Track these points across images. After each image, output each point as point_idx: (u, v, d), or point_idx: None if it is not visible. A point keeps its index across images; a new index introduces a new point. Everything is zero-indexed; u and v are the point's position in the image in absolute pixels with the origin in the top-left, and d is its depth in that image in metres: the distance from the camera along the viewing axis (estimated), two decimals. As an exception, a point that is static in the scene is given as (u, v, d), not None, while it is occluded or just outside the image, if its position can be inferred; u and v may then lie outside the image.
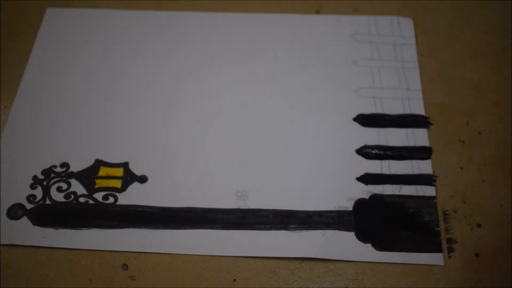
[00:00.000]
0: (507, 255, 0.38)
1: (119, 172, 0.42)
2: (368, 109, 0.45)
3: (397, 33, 0.50)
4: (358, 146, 0.44)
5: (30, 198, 0.41)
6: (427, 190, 0.41)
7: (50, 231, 0.40)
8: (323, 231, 0.40)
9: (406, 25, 0.50)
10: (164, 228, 0.40)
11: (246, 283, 0.38)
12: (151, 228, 0.40)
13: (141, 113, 0.45)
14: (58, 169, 0.43)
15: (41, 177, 0.42)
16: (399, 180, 0.42)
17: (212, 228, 0.40)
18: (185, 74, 0.48)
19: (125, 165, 0.43)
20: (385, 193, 0.41)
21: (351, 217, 0.40)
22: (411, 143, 0.44)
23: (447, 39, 0.49)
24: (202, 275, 0.38)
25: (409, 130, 0.44)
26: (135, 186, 0.42)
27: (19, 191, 0.42)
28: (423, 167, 0.42)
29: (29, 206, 0.41)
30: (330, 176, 0.42)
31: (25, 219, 0.40)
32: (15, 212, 0.41)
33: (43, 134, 0.44)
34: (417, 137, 0.44)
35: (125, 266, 0.39)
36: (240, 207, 0.41)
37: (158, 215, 0.41)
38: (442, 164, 0.43)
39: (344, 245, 0.39)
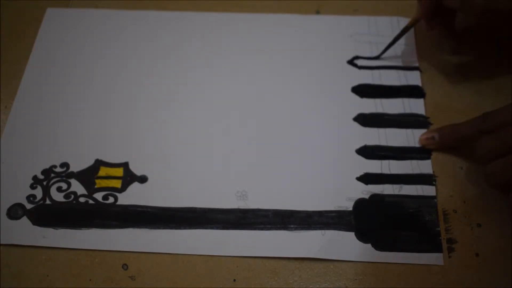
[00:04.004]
0: (507, 255, 0.38)
1: (119, 172, 0.42)
2: (368, 109, 0.45)
3: (397, 33, 0.50)
4: (358, 146, 0.44)
5: (30, 198, 0.41)
6: (427, 190, 0.41)
7: (50, 231, 0.40)
8: (323, 231, 0.40)
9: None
10: (164, 228, 0.40)
11: (246, 283, 0.38)
12: (151, 228, 0.40)
13: (141, 113, 0.45)
14: (58, 169, 0.43)
15: (41, 177, 0.42)
16: (399, 180, 0.42)
17: (212, 228, 0.40)
18: (185, 74, 0.48)
19: (125, 165, 0.43)
20: (385, 193, 0.41)
21: (351, 217, 0.40)
22: (411, 143, 0.44)
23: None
24: (202, 275, 0.38)
25: (409, 130, 0.44)
26: (135, 186, 0.42)
27: (19, 191, 0.42)
28: (423, 167, 0.42)
29: (29, 206, 0.41)
30: (330, 176, 0.42)
31: (25, 219, 0.40)
32: (15, 212, 0.41)
33: (43, 134, 0.44)
34: (417, 137, 0.44)
35: (125, 266, 0.39)
36: (240, 207, 0.41)
37: (158, 215, 0.41)
38: (442, 164, 0.43)
39: (344, 245, 0.39)
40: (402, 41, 0.49)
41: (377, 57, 0.48)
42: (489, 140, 0.38)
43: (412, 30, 0.49)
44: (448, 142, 0.42)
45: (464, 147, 0.43)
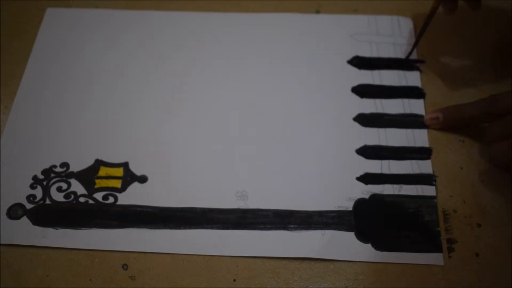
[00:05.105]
0: (507, 255, 0.38)
1: (119, 172, 0.42)
2: (368, 109, 0.45)
3: (397, 33, 0.50)
4: (358, 146, 0.44)
5: (30, 198, 0.41)
6: (427, 190, 0.41)
7: (50, 231, 0.40)
8: (323, 231, 0.40)
9: (406, 25, 0.50)
10: (164, 228, 0.40)
11: (246, 283, 0.38)
12: (151, 228, 0.40)
13: (141, 113, 0.45)
14: (58, 169, 0.43)
15: (41, 177, 0.42)
16: (399, 180, 0.42)
17: (212, 228, 0.40)
18: (185, 74, 0.48)
19: (125, 165, 0.43)
20: (385, 193, 0.41)
21: (351, 217, 0.40)
22: (411, 143, 0.44)
23: (447, 39, 0.49)
24: (202, 275, 0.38)
25: (409, 130, 0.44)
26: (135, 186, 0.42)
27: (19, 191, 0.42)
28: (423, 167, 0.42)
29: (29, 206, 0.41)
30: (330, 176, 0.42)
31: (25, 219, 0.40)
32: (15, 212, 0.41)
33: (43, 134, 0.44)
34: (417, 137, 0.44)
35: (125, 266, 0.39)
36: (240, 207, 0.41)
37: (158, 215, 0.41)
38: (442, 164, 0.43)
39: (344, 245, 0.39)
40: (402, 41, 0.49)
41: (406, 58, 0.48)
42: (498, 126, 0.39)
43: (412, 31, 0.49)
44: (453, 122, 0.43)
45: (467, 127, 0.44)
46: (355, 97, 0.46)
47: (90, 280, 0.38)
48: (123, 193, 0.42)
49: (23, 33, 0.50)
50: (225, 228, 0.40)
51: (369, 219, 0.40)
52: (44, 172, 0.42)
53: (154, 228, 0.40)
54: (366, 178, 0.42)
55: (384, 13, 0.51)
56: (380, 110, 0.45)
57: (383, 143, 0.44)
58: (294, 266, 0.39)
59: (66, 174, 0.42)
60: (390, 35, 0.50)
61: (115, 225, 0.40)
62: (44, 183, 0.42)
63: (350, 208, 0.41)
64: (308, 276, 0.38)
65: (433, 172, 0.42)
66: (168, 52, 0.49)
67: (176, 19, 0.51)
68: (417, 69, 0.47)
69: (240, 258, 0.39)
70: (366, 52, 0.49)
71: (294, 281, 0.38)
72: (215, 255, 0.39)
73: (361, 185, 0.42)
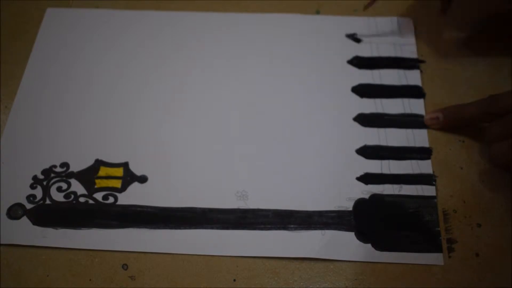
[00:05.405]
0: (507, 255, 0.38)
1: (119, 172, 0.42)
2: (368, 109, 0.45)
3: (397, 33, 0.50)
4: (358, 146, 0.44)
5: (30, 198, 0.41)
6: (427, 190, 0.41)
7: (50, 231, 0.40)
8: (323, 231, 0.40)
9: (406, 25, 0.50)
10: (164, 228, 0.40)
11: (246, 283, 0.38)
12: (151, 228, 0.40)
13: (141, 113, 0.45)
14: (58, 169, 0.43)
15: (41, 177, 0.42)
16: (399, 180, 0.42)
17: (212, 228, 0.40)
18: (185, 74, 0.48)
19: (125, 165, 0.43)
20: (385, 193, 0.41)
21: (351, 217, 0.40)
22: (411, 143, 0.44)
23: (447, 39, 0.49)
24: (202, 275, 0.38)
25: (409, 130, 0.44)
26: (135, 186, 0.42)
27: (19, 191, 0.42)
28: (423, 167, 0.42)
29: (29, 206, 0.41)
30: (330, 176, 0.42)
31: (25, 219, 0.40)
32: (15, 212, 0.41)
33: (43, 134, 0.44)
34: (417, 137, 0.44)
35: (125, 266, 0.39)
36: (240, 207, 0.41)
37: (158, 215, 0.41)
38: (442, 164, 0.43)
39: (344, 245, 0.39)
40: (402, 40, 0.49)
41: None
42: (498, 126, 0.39)
43: (412, 31, 0.49)
44: (453, 122, 0.43)
45: (467, 127, 0.44)
46: (355, 97, 0.46)
47: (90, 280, 0.38)
48: (123, 193, 0.42)
49: (23, 33, 0.50)
50: (225, 228, 0.40)
51: (369, 219, 0.40)
52: (44, 172, 0.42)
53: (154, 228, 0.40)
54: (366, 178, 0.42)
55: (384, 13, 0.51)
56: (380, 110, 0.45)
57: (383, 143, 0.44)
58: (294, 266, 0.39)
59: (66, 174, 0.42)
60: (390, 35, 0.49)
61: (115, 225, 0.40)
62: (44, 183, 0.42)
63: (350, 208, 0.41)
64: (308, 276, 0.38)
65: (433, 172, 0.42)
66: (168, 52, 0.49)
67: (176, 19, 0.51)
68: (417, 67, 0.47)
69: (240, 258, 0.39)
70: (366, 52, 0.49)
71: (294, 281, 0.38)
72: (215, 255, 0.39)
73: (361, 185, 0.42)
